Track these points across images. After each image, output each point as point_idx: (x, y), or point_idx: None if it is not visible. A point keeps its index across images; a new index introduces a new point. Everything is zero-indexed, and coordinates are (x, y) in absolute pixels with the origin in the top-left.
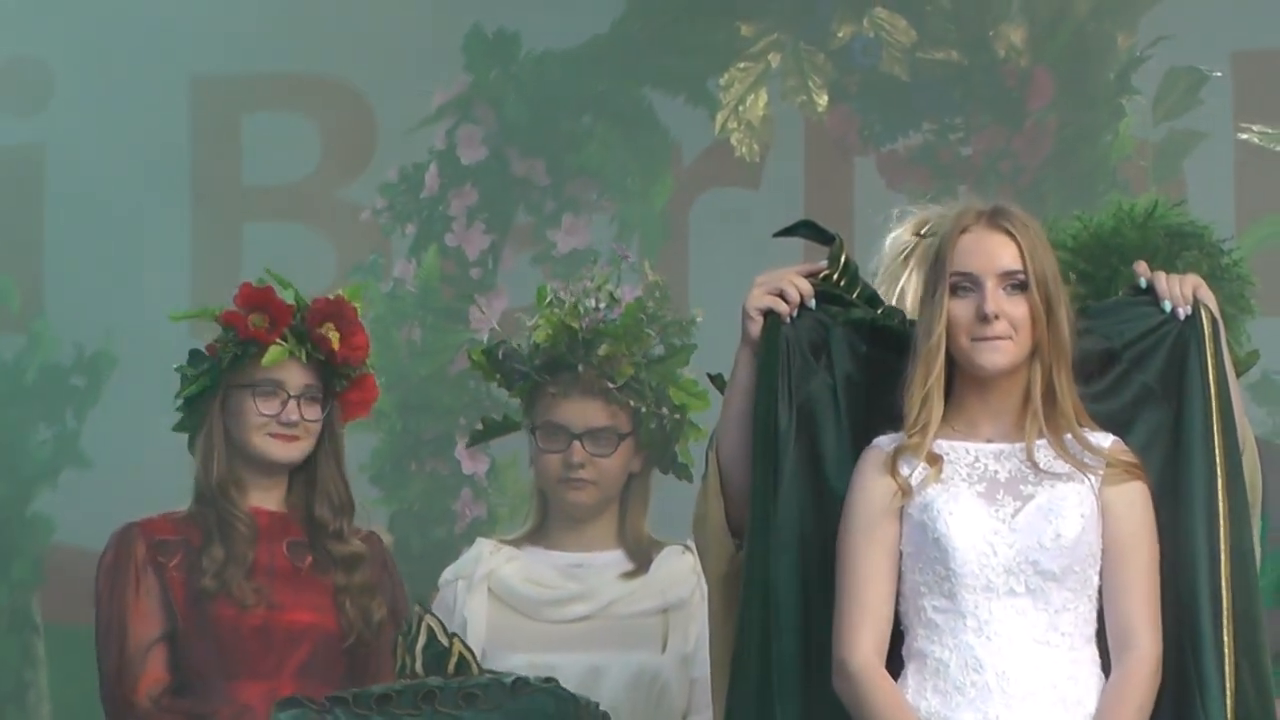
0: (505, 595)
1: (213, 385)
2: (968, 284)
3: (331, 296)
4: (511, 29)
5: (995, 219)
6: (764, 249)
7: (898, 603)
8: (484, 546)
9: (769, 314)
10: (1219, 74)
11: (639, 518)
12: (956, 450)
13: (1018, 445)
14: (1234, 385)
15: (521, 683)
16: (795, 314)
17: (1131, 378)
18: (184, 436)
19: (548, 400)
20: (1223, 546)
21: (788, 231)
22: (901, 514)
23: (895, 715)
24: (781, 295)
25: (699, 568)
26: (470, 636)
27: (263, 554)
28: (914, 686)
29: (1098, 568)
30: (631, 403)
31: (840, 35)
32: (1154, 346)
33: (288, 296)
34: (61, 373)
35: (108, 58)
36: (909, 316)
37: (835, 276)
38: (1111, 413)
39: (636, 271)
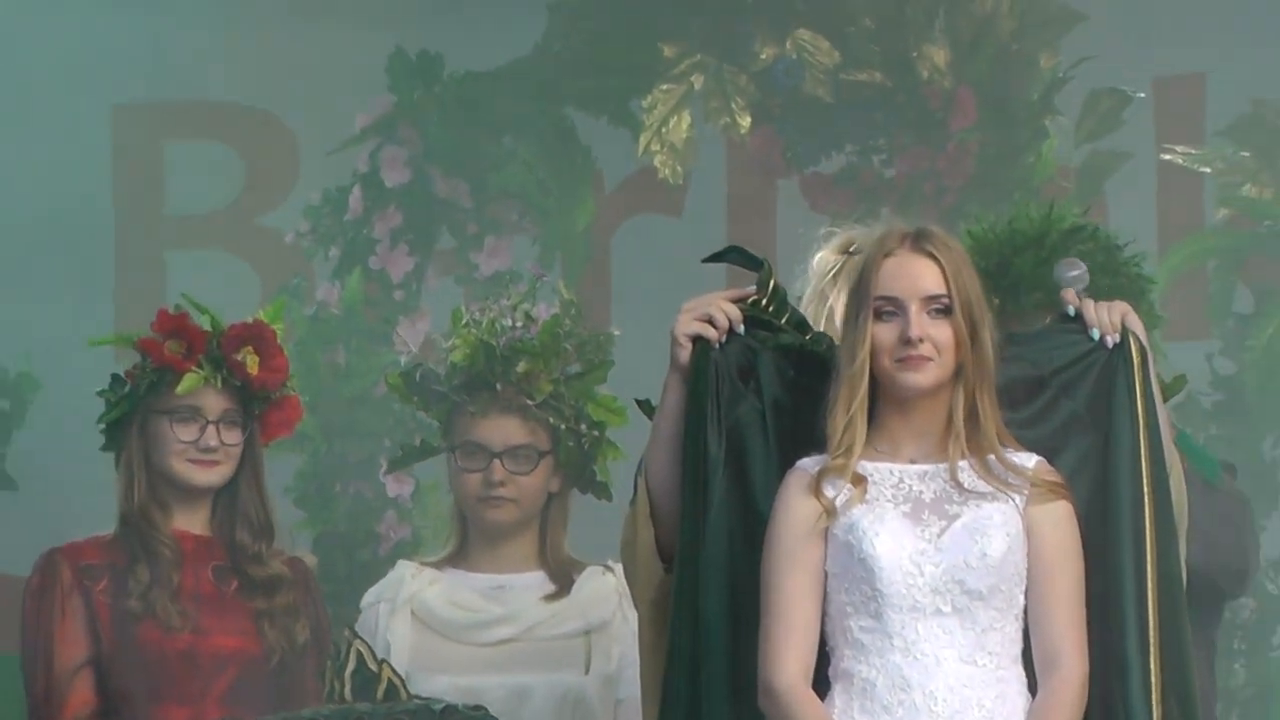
0: (428, 618)
1: (131, 411)
2: (891, 308)
3: (250, 320)
4: (434, 51)
5: (919, 242)
6: (686, 272)
7: (824, 623)
8: (405, 569)
9: (698, 339)
10: (1142, 95)
11: (559, 538)
12: (880, 471)
13: (941, 466)
14: (1162, 411)
15: (450, 710)
16: (724, 339)
17: (1060, 405)
18: (111, 458)
19: (466, 420)
20: (1150, 574)
21: (716, 257)
22: (826, 535)
23: None
24: (710, 321)
25: (620, 588)
26: (394, 659)
27: (188, 578)
28: (841, 707)
29: (1023, 587)
30: (551, 420)
31: (763, 57)
32: (1082, 374)
33: (204, 322)
34: None
35: (29, 85)
36: (837, 340)
37: (764, 302)
38: (1040, 439)
39: (553, 291)
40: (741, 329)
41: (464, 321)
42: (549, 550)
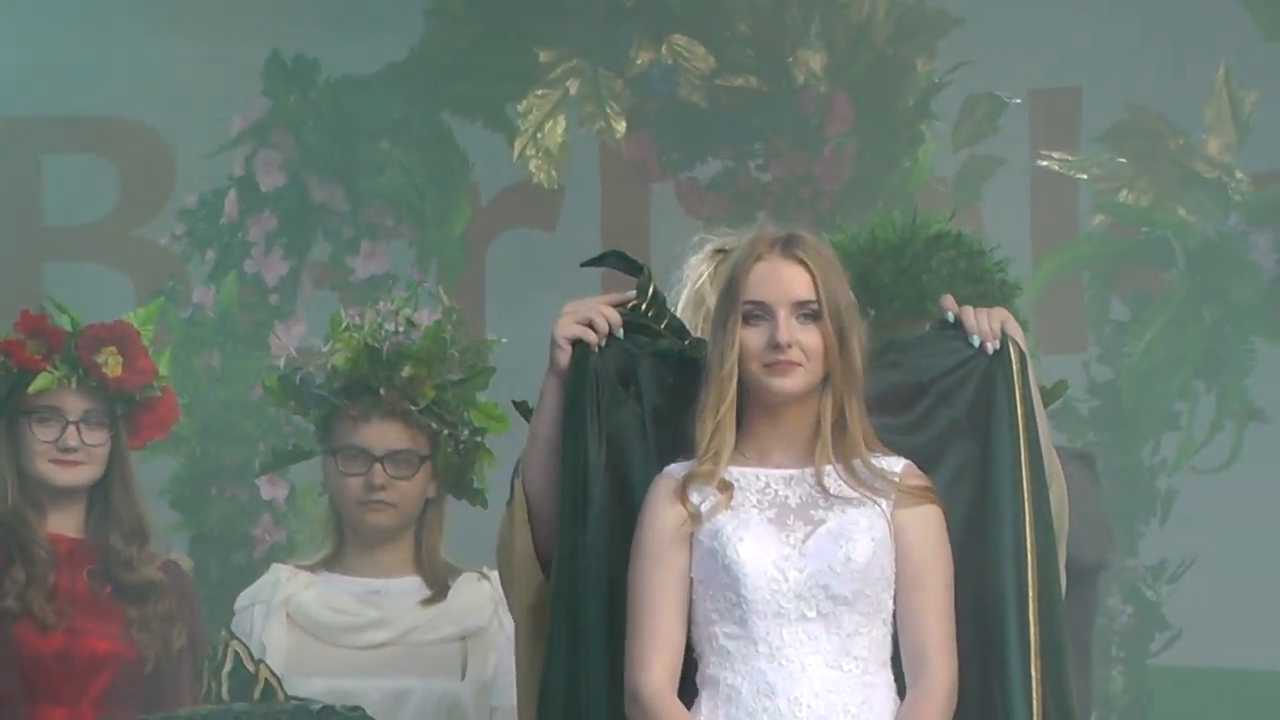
0: (303, 621)
1: None
2: (760, 313)
3: (111, 322)
4: (310, 55)
5: (789, 247)
6: (561, 278)
7: (690, 630)
8: (280, 572)
9: (577, 343)
10: (1018, 100)
11: (435, 543)
12: (747, 477)
13: (807, 470)
14: (1041, 419)
15: (328, 710)
16: (603, 344)
17: (939, 412)
18: None
19: (348, 424)
20: (1030, 581)
21: (596, 261)
22: (692, 541)
23: None
24: (590, 324)
25: (496, 595)
26: (270, 662)
27: (63, 580)
28: (707, 714)
29: (891, 591)
30: (433, 425)
31: (639, 62)
32: (962, 381)
33: (64, 323)
34: None
35: None
36: None
37: (643, 307)
38: (919, 446)
39: (433, 297)
40: (621, 333)
41: (343, 325)
42: (425, 555)
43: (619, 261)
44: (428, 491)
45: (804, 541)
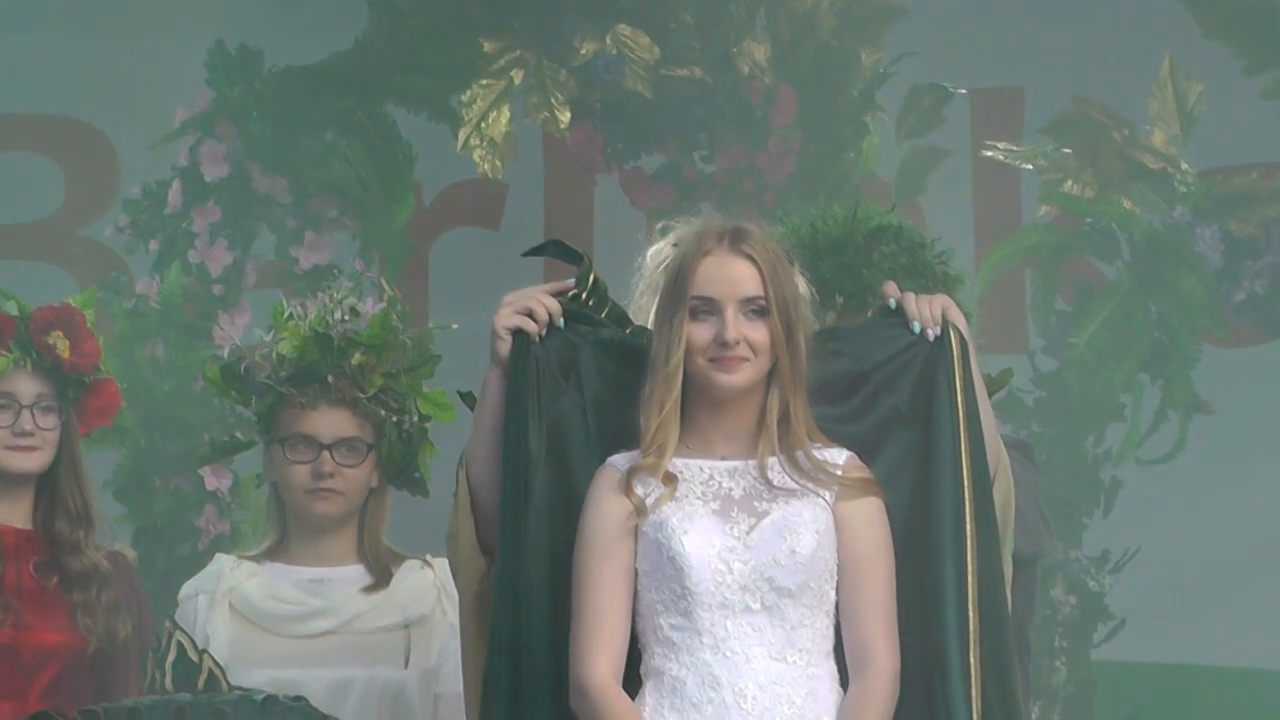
0: (247, 611)
1: None
2: (708, 308)
3: (57, 304)
4: (254, 46)
5: (736, 242)
6: (504, 268)
7: (635, 621)
8: (224, 562)
9: (518, 333)
10: (963, 90)
11: (378, 532)
12: (691, 468)
13: (751, 462)
14: (985, 406)
15: (271, 701)
16: (544, 333)
17: (881, 400)
18: None
19: (295, 411)
20: (970, 570)
21: (536, 251)
22: (637, 533)
23: None
24: (530, 314)
25: (439, 583)
26: (214, 652)
27: (9, 573)
28: (651, 705)
29: (834, 583)
30: (381, 413)
31: (583, 52)
32: (903, 368)
33: (10, 308)
34: None
35: None
36: None
37: (584, 296)
38: (860, 434)
39: (377, 287)
40: (562, 323)
41: (286, 315)
42: (368, 543)
43: (559, 251)
44: (372, 480)
45: (748, 533)
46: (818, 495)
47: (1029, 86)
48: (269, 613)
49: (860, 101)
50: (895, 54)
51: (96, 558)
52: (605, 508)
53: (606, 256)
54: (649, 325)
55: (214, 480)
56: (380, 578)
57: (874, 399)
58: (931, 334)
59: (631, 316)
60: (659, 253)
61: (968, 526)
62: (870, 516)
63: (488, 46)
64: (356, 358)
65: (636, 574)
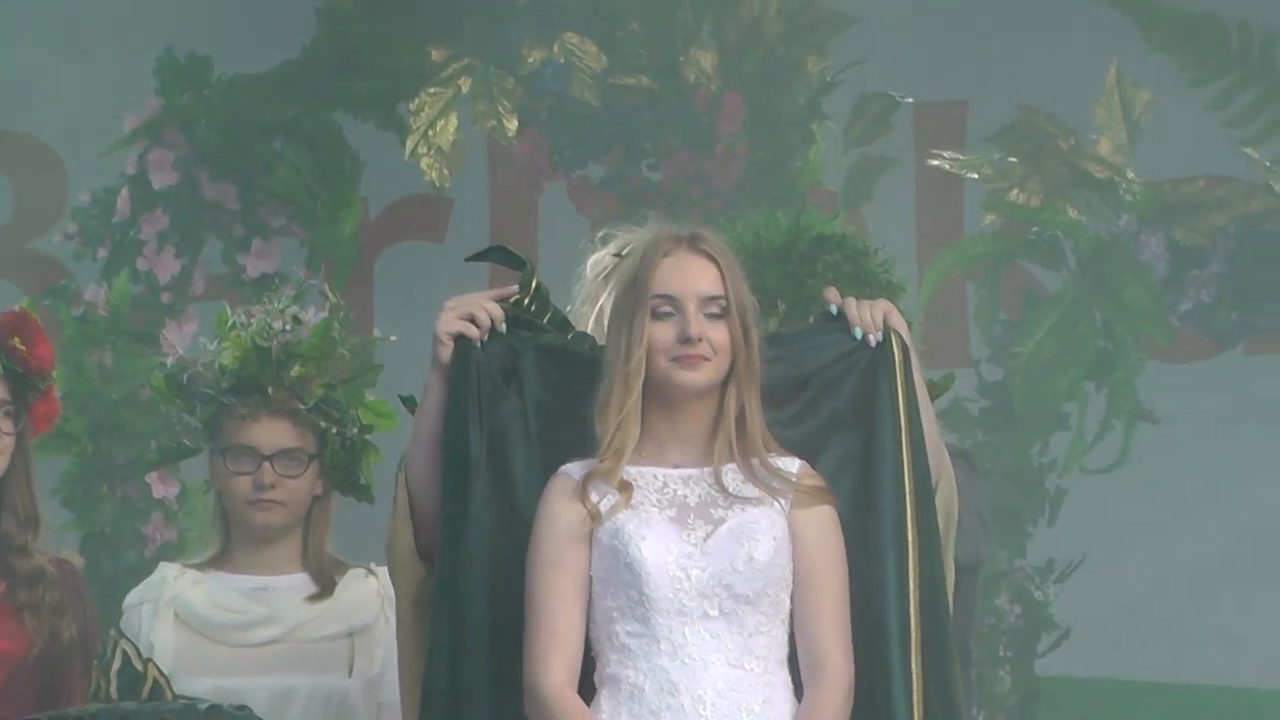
0: (191, 620)
1: None
2: (669, 307)
3: (15, 309)
4: (203, 54)
5: (695, 243)
6: (448, 280)
7: (589, 628)
8: (168, 571)
9: (459, 338)
10: (910, 100)
11: (322, 540)
12: (645, 476)
13: (706, 470)
14: (927, 411)
15: (215, 709)
16: (486, 338)
17: (822, 404)
18: None
19: (236, 422)
20: (911, 574)
21: (480, 256)
22: (591, 540)
23: None
24: (472, 319)
25: (383, 591)
26: (158, 661)
27: None
28: (608, 711)
29: (789, 591)
30: (321, 423)
31: (531, 60)
32: (844, 373)
33: None
34: None
35: None
36: (600, 341)
37: (526, 301)
38: (801, 439)
39: (321, 295)
40: (504, 328)
41: (230, 324)
42: (312, 552)
43: (502, 256)
44: (315, 489)
45: (705, 540)
46: (773, 502)
47: (976, 95)
48: (213, 621)
49: (807, 110)
50: (843, 63)
51: (43, 560)
52: (559, 514)
53: (551, 265)
54: (589, 332)
55: (161, 488)
56: (324, 586)
57: (815, 404)
58: (873, 339)
59: (572, 323)
60: (599, 261)
61: (909, 531)
62: (824, 525)
63: (435, 55)
64: (295, 369)
65: (591, 581)
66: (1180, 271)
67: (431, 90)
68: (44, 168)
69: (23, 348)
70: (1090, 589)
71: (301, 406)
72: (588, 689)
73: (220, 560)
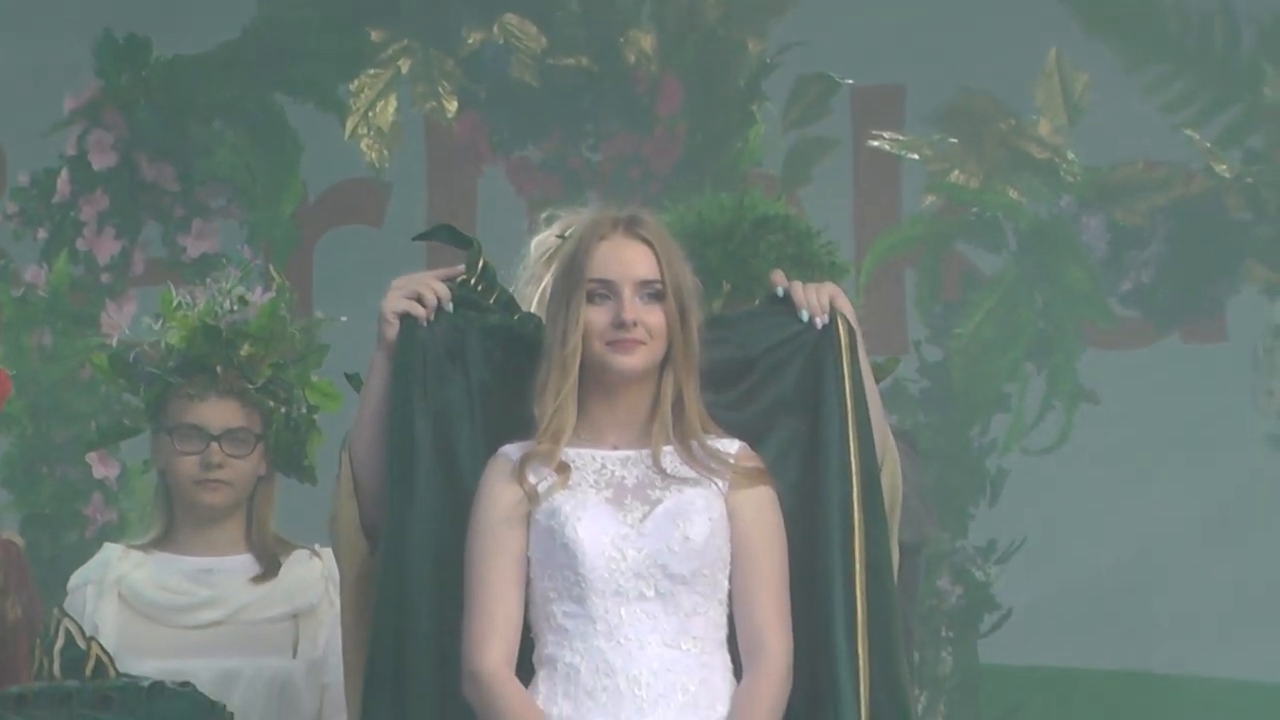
0: (135, 601)
1: None
2: (605, 291)
3: None
4: (142, 34)
5: (632, 227)
6: (386, 264)
7: (527, 610)
8: (111, 551)
9: (405, 318)
10: (850, 81)
11: (266, 521)
12: (583, 457)
13: (644, 451)
14: (873, 394)
15: (158, 687)
16: (432, 318)
17: (767, 387)
18: None
19: (183, 402)
20: (857, 556)
21: (427, 235)
22: (529, 521)
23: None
24: (418, 299)
25: (327, 573)
26: (101, 642)
27: None
28: (545, 693)
29: (727, 572)
30: (269, 403)
31: (470, 41)
32: (790, 356)
33: None
34: None
35: None
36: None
37: (473, 281)
38: (746, 422)
39: (265, 275)
40: (450, 308)
41: (175, 304)
42: (256, 533)
43: (449, 236)
44: (260, 469)
45: (642, 521)
46: (711, 483)
47: (915, 76)
48: (156, 602)
49: (747, 91)
50: (782, 44)
51: None
52: (497, 496)
53: (491, 247)
54: (533, 312)
55: (101, 469)
56: (269, 567)
57: (760, 386)
58: (820, 322)
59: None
60: (543, 242)
61: (855, 514)
62: (762, 505)
63: (375, 35)
64: (245, 349)
65: (529, 562)
66: (1120, 252)
67: (371, 72)
68: None
69: None
70: (1031, 570)
71: (250, 386)
72: (527, 669)
73: (164, 541)
